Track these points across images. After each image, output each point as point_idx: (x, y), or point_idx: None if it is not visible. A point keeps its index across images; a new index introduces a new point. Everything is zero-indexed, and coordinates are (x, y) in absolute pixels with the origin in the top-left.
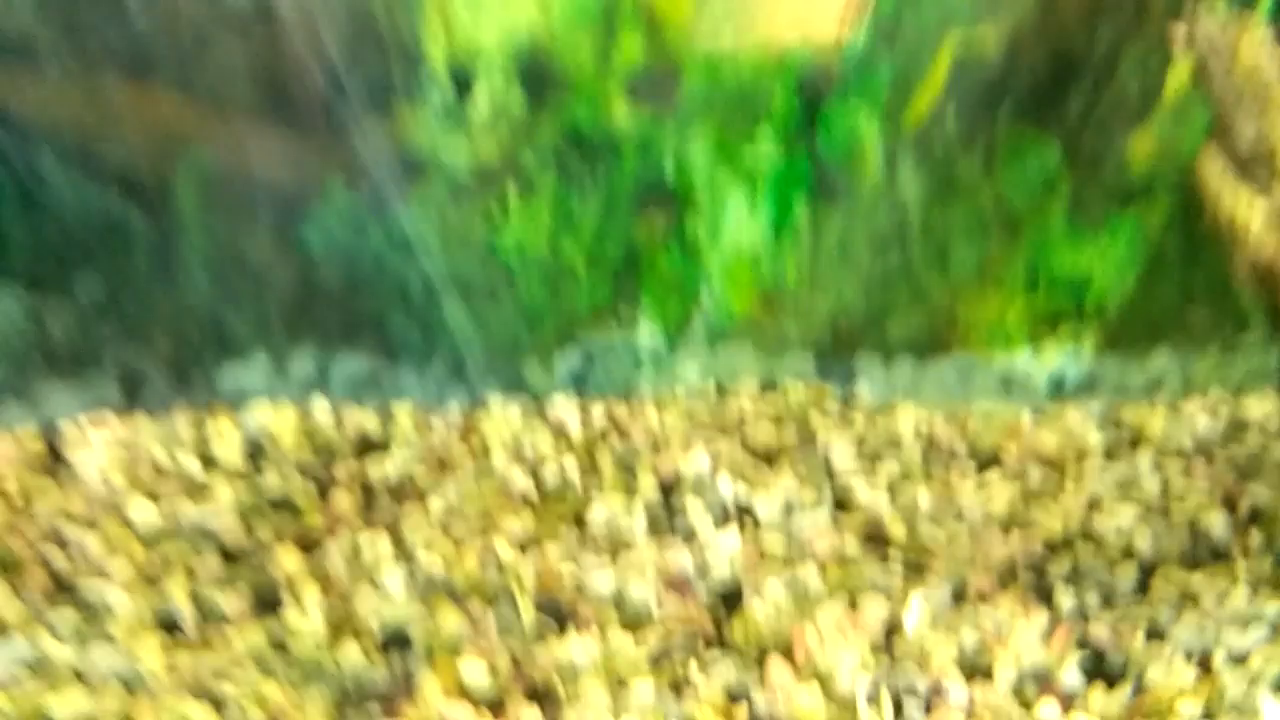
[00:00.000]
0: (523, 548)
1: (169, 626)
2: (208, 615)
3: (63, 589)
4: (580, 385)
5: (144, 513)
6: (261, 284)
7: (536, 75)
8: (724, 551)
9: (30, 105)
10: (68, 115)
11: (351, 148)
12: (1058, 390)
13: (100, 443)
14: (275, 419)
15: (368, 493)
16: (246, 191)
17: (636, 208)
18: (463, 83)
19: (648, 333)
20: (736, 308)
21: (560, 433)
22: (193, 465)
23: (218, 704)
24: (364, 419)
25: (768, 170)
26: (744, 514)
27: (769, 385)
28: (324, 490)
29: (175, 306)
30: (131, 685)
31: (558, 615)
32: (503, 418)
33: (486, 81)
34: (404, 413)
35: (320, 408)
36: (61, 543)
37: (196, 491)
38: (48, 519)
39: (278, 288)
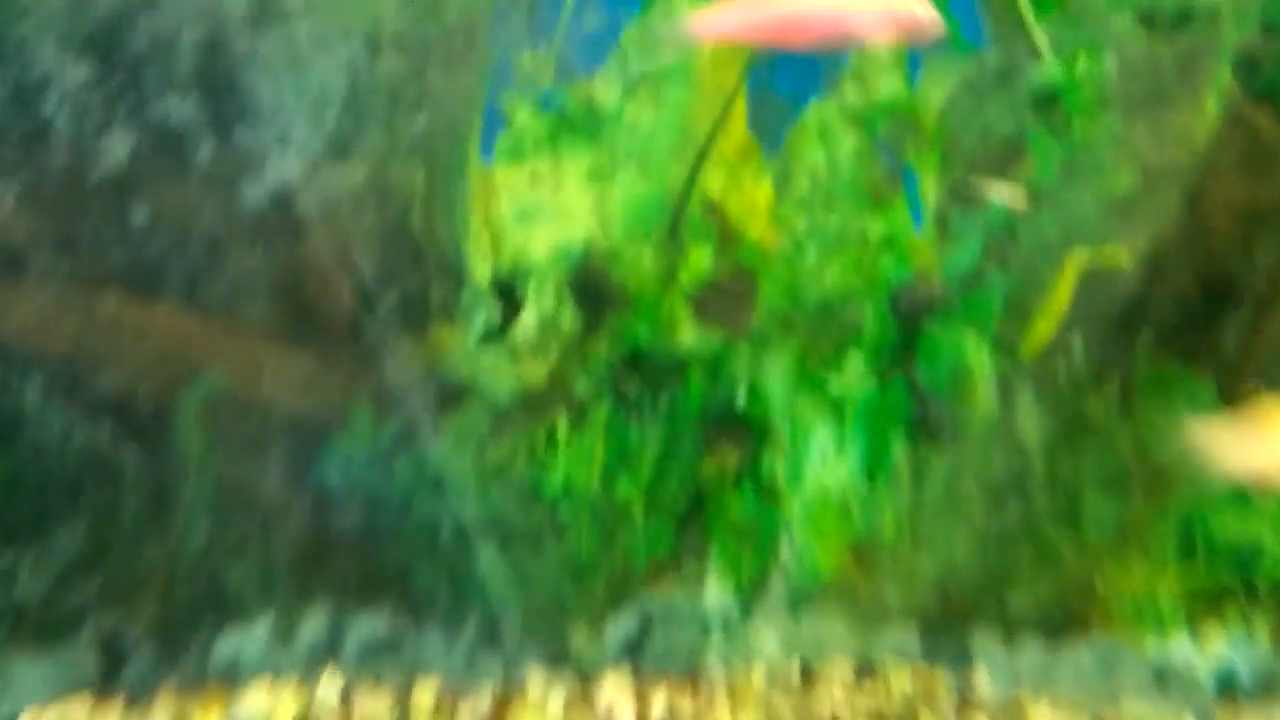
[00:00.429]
0: None
1: None
2: None
3: None
4: (636, 656)
5: None
6: (270, 531)
7: (592, 291)
8: None
9: (15, 327)
10: (59, 338)
11: (380, 372)
12: (1227, 688)
13: None
14: (272, 704)
15: None
16: (258, 422)
17: (704, 441)
18: (509, 300)
19: (717, 593)
20: (823, 565)
21: None
22: None
23: None
24: (377, 704)
25: (858, 400)
26: None
27: (866, 668)
28: None
29: (169, 560)
30: None
31: None
32: (540, 704)
33: (536, 299)
34: (425, 692)
35: (328, 686)
36: None
37: None
38: None
39: (288, 535)
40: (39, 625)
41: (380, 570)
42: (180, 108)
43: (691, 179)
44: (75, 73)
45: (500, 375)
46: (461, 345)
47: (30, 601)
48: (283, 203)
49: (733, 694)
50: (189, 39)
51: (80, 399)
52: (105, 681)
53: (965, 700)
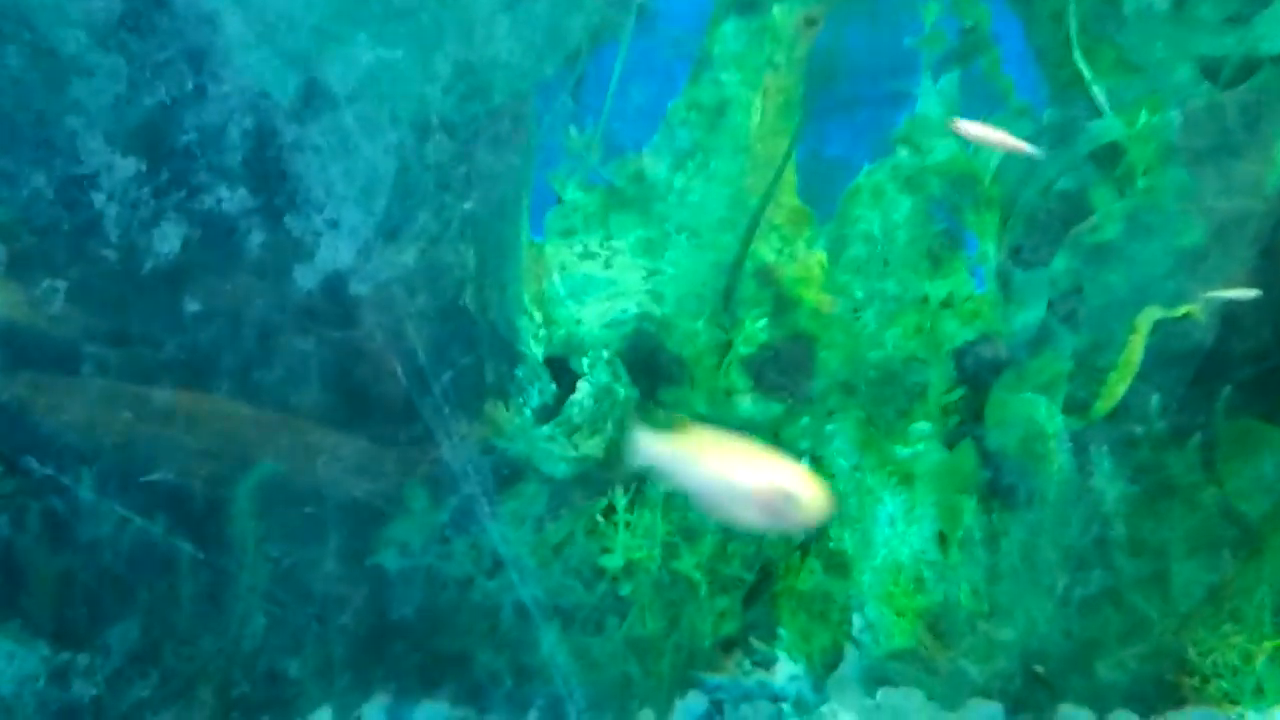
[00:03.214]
0: None
1: None
2: None
3: None
4: None
5: None
6: (327, 619)
7: (646, 363)
8: None
9: (67, 421)
10: (111, 431)
11: (436, 453)
12: None
13: None
14: None
15: None
16: (314, 509)
17: None
18: (563, 376)
19: (788, 670)
20: (898, 640)
21: None
22: None
23: None
24: None
25: (926, 466)
26: None
27: None
28: None
29: (226, 654)
30: None
31: None
32: None
33: (590, 373)
34: None
35: None
36: None
37: None
38: None
39: (347, 623)
40: None
41: (441, 655)
42: (230, 197)
43: (744, 247)
44: (124, 165)
45: (557, 452)
46: (517, 422)
47: (85, 703)
48: (334, 288)
49: None
50: (237, 129)
51: (134, 493)
52: None
53: None
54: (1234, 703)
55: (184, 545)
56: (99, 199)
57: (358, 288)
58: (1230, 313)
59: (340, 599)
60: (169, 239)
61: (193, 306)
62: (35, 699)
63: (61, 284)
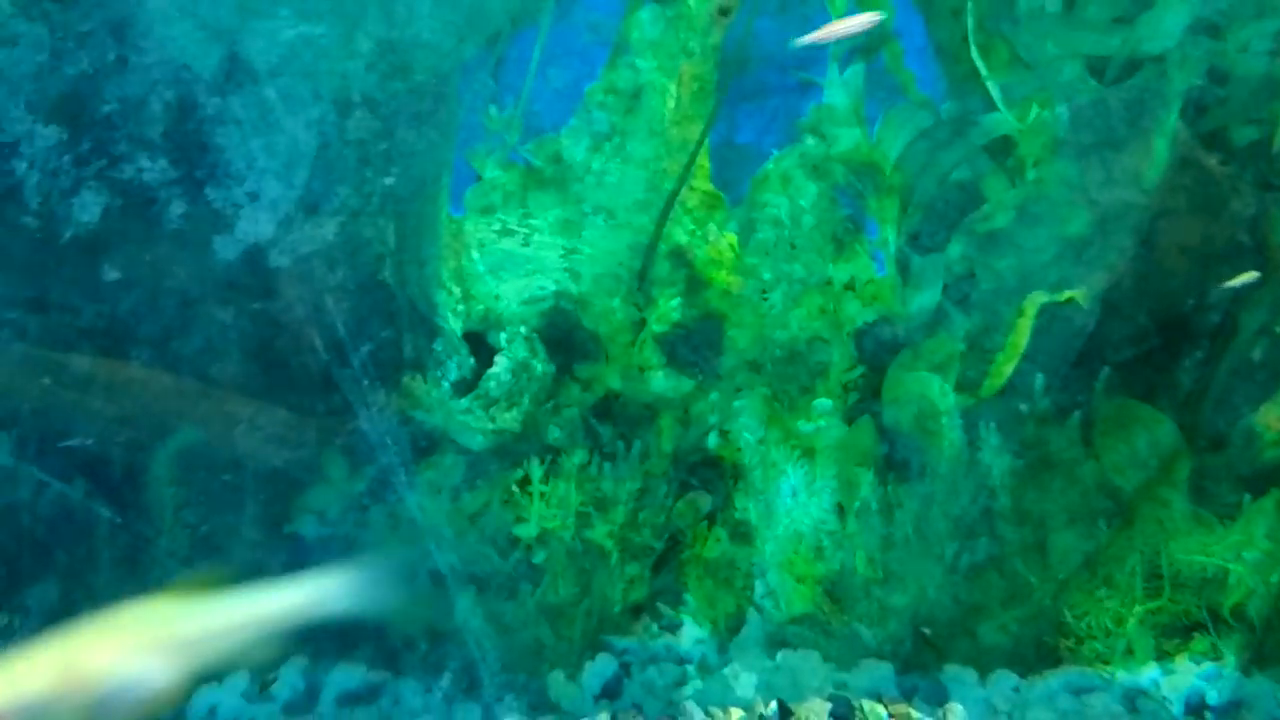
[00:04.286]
0: None
1: None
2: None
3: None
4: (613, 701)
5: None
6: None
7: (563, 340)
8: None
9: None
10: (30, 397)
11: (354, 425)
12: (1196, 716)
13: None
14: None
15: None
16: (232, 476)
17: (677, 484)
18: (481, 350)
19: (693, 636)
20: (797, 605)
21: None
22: None
23: None
24: None
25: (827, 442)
26: None
27: (843, 708)
28: None
29: None
30: None
31: None
32: None
33: (508, 349)
34: None
35: None
36: None
37: None
38: None
39: None
40: None
41: (356, 623)
42: (151, 168)
43: (658, 229)
44: (45, 134)
45: (474, 424)
46: (434, 395)
47: None
48: (254, 260)
49: None
50: (159, 101)
51: (52, 458)
52: None
53: None
54: (1105, 663)
55: (102, 510)
56: (20, 167)
57: (278, 260)
58: (1110, 298)
59: (259, 565)
60: (89, 208)
61: (112, 275)
62: None
63: None
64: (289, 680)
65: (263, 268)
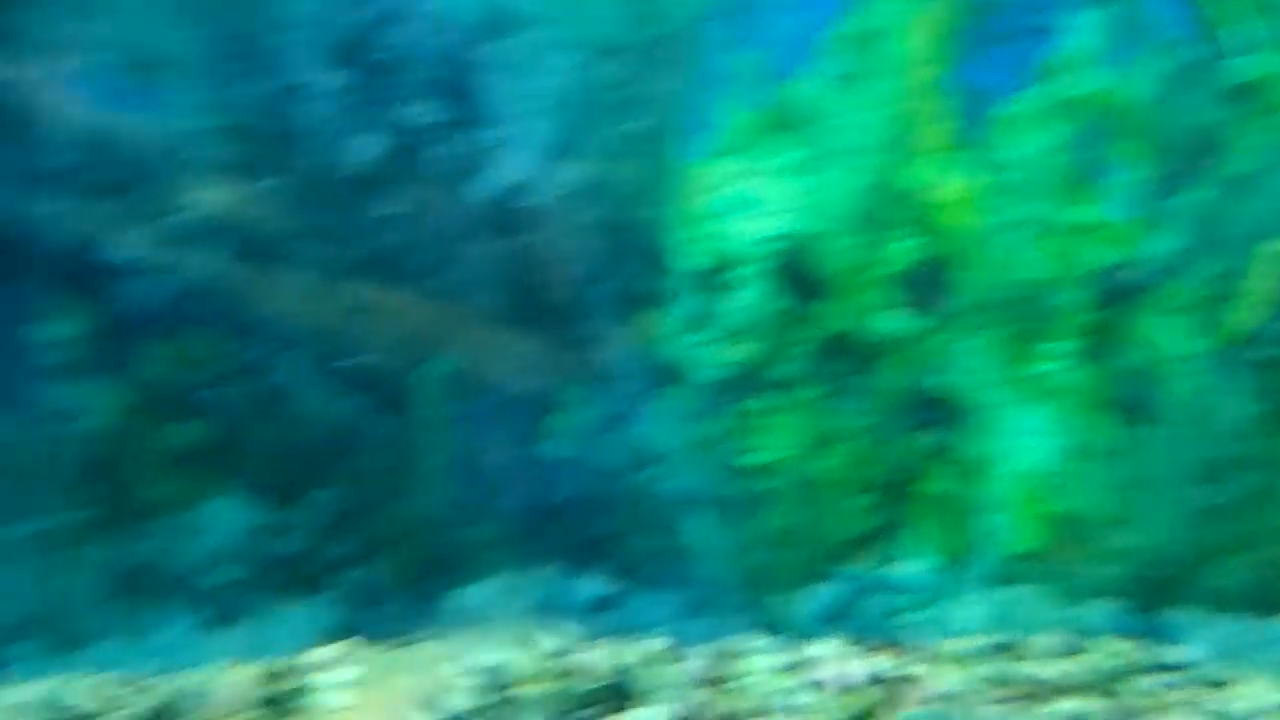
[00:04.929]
0: None
1: None
2: None
3: None
4: (839, 625)
5: None
6: (498, 497)
7: (796, 278)
8: None
9: (277, 309)
10: (315, 320)
11: (596, 356)
12: None
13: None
14: (505, 654)
15: None
16: (488, 399)
17: (907, 420)
18: (715, 287)
19: (919, 568)
20: (1027, 543)
21: (819, 689)
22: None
23: None
24: (597, 657)
25: (1061, 383)
26: None
27: (1070, 644)
28: None
29: (412, 521)
30: None
31: None
32: (748, 667)
33: (741, 287)
34: (637, 653)
35: (551, 643)
36: None
37: None
38: None
39: (515, 501)
40: (305, 577)
41: (598, 537)
42: (422, 111)
43: (895, 170)
44: (327, 79)
45: (707, 358)
46: (670, 329)
47: (296, 556)
48: (511, 199)
49: (934, 661)
50: (431, 49)
51: (335, 375)
52: (357, 628)
53: (1175, 673)
54: None
55: (378, 424)
56: (308, 108)
57: (532, 199)
58: None
59: (510, 480)
60: (368, 147)
61: (385, 210)
62: (254, 550)
63: (274, 185)
64: (538, 585)
65: (518, 207)
